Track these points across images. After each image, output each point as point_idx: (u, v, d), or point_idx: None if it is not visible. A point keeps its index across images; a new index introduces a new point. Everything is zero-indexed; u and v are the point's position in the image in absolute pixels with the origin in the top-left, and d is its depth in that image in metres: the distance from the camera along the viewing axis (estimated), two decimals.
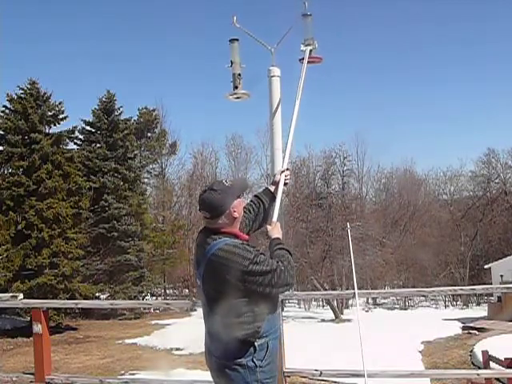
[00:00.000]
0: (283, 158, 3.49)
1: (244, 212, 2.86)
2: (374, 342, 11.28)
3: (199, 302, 2.71)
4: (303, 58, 3.80)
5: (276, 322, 2.63)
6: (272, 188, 3.16)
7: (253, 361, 2.48)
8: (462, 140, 67.68)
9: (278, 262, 2.53)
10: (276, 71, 3.87)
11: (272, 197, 3.11)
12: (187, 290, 37.86)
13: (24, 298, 5.86)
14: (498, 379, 8.42)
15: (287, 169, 3.26)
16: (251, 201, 3.07)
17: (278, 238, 2.77)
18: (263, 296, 2.50)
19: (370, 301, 34.81)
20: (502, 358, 8.60)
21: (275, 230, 2.82)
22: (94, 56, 62.96)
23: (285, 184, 3.20)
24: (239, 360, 2.48)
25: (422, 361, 16.66)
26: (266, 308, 2.53)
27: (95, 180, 26.88)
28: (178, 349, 18.42)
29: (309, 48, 3.82)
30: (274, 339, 2.59)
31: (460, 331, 22.87)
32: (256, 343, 2.49)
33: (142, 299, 28.10)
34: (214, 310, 2.53)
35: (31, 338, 6.43)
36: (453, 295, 33.39)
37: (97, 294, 25.99)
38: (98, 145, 29.31)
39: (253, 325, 2.47)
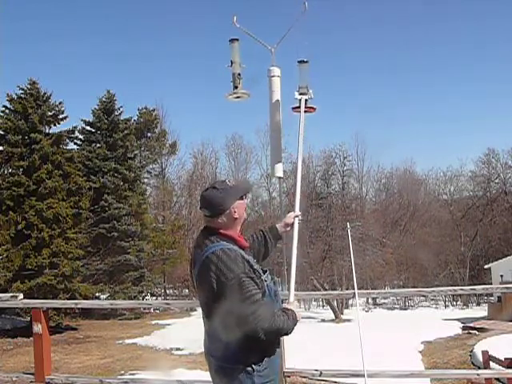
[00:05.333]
0: (294, 203, 3.37)
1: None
2: (374, 342, 11.26)
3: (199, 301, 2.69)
4: (298, 107, 3.75)
5: None
6: (280, 227, 3.07)
7: (250, 365, 2.46)
8: (462, 140, 67.85)
9: (262, 304, 2.38)
10: (276, 71, 3.87)
11: (278, 238, 3.04)
12: (187, 290, 37.84)
13: (24, 297, 5.87)
14: (497, 379, 8.42)
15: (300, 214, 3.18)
16: (256, 233, 2.99)
17: (291, 309, 2.55)
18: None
19: (370, 301, 34.83)
20: (502, 358, 8.60)
21: (292, 306, 2.61)
22: (94, 56, 63.08)
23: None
24: (236, 363, 2.47)
25: (422, 361, 16.67)
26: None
27: (95, 180, 26.87)
28: (178, 349, 18.40)
29: (304, 97, 3.76)
30: (273, 344, 2.56)
31: (460, 331, 22.87)
32: (253, 348, 2.46)
33: (142, 299, 28.10)
34: (207, 312, 2.53)
35: (31, 338, 6.43)
36: (453, 295, 33.42)
37: (97, 294, 25.98)
38: (98, 145, 29.30)
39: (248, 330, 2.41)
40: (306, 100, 3.75)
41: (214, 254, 2.45)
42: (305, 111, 3.71)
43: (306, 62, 3.82)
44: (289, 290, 2.92)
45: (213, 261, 2.43)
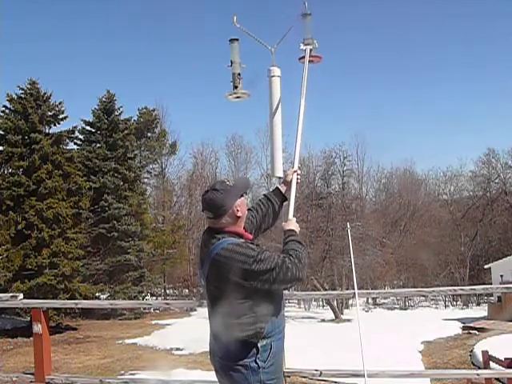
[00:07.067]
0: (294, 157, 3.41)
1: (251, 211, 2.87)
2: (373, 342, 11.27)
3: (202, 301, 2.70)
4: (303, 57, 3.83)
5: (280, 323, 2.61)
6: (282, 187, 3.12)
7: (256, 362, 2.47)
8: (462, 140, 67.85)
9: (284, 257, 2.48)
10: (276, 71, 3.87)
11: (282, 198, 3.08)
12: (187, 290, 37.85)
13: (24, 297, 5.86)
14: (498, 379, 8.44)
15: (299, 167, 3.23)
16: (260, 200, 3.05)
17: (292, 230, 2.72)
18: (268, 293, 2.49)
19: (370, 301, 34.80)
20: (502, 358, 8.59)
21: (291, 224, 2.78)
22: (93, 56, 63.07)
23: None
24: (242, 361, 2.47)
25: (422, 361, 16.67)
26: (269, 309, 2.51)
27: (95, 180, 26.87)
28: (178, 349, 18.40)
29: (309, 47, 3.84)
30: (278, 340, 2.57)
31: (460, 331, 22.87)
32: (259, 344, 2.48)
33: (142, 299, 28.08)
34: (217, 310, 2.53)
35: (31, 338, 6.44)
36: (453, 295, 33.39)
37: (97, 294, 25.97)
38: (98, 145, 29.29)
39: (254, 326, 2.46)
40: (310, 50, 3.85)
41: (224, 249, 2.47)
42: (310, 61, 3.82)
43: (309, 14, 3.94)
44: (288, 208, 3.02)
45: (226, 256, 2.45)
